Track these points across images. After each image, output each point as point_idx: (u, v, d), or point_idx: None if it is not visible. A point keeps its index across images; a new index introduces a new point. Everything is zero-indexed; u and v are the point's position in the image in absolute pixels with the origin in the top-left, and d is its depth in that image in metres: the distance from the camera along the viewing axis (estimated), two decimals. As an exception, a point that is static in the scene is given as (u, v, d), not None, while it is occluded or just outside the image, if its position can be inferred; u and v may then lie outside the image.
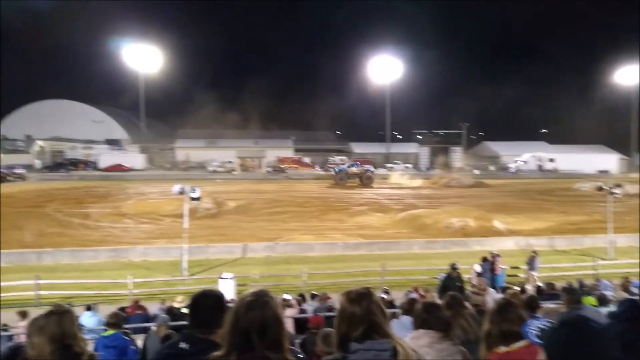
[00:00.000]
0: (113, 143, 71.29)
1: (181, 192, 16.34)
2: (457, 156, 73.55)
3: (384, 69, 76.39)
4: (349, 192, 42.00)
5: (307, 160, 70.34)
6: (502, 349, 2.47)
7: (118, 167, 60.70)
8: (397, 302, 9.59)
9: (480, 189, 45.77)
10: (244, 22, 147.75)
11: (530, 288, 11.18)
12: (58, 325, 2.29)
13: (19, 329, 8.33)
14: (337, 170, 50.88)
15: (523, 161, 67.59)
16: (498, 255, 13.93)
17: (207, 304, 2.32)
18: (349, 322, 1.95)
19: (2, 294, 13.26)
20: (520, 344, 2.43)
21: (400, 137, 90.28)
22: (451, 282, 10.89)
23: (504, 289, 10.52)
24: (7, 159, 58.86)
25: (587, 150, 72.02)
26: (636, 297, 5.57)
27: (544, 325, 2.24)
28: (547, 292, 9.85)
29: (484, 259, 13.77)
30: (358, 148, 78.66)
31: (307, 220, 27.94)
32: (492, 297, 7.41)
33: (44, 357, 2.29)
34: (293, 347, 2.24)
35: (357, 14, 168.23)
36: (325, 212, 30.48)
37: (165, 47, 75.76)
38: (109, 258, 17.90)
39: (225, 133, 72.60)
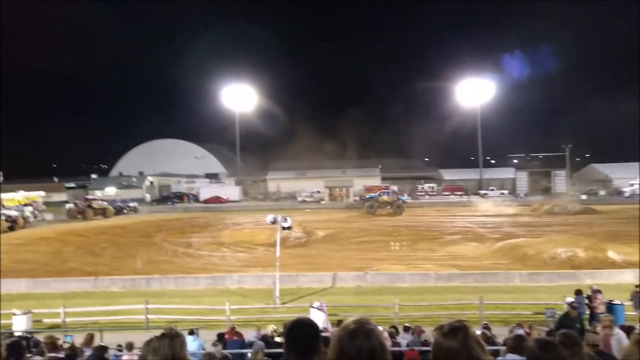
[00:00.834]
0: (212, 177, 76.80)
1: (273, 222, 17.03)
2: (561, 180, 67.72)
3: (474, 91, 73.79)
4: (440, 221, 40.58)
5: (394, 188, 69.40)
6: None
7: (216, 199, 64.93)
8: (500, 339, 8.88)
9: (589, 216, 41.64)
10: (338, 59, 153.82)
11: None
12: (170, 348, 2.43)
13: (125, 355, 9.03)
14: (366, 197, 49.26)
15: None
16: (599, 291, 12.50)
17: (303, 331, 2.32)
18: (445, 357, 1.83)
19: (117, 317, 14.71)
20: None
21: (494, 162, 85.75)
22: (570, 322, 9.17)
23: (628, 329, 9.17)
24: (123, 194, 66.23)
25: None
26: None
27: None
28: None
29: (578, 292, 12.38)
30: (448, 175, 76.23)
31: (396, 250, 27.43)
32: (619, 338, 6.47)
33: None
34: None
35: (446, 39, 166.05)
36: (415, 242, 29.74)
37: (261, 85, 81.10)
38: (208, 285, 18.96)
39: (313, 164, 74.70)
